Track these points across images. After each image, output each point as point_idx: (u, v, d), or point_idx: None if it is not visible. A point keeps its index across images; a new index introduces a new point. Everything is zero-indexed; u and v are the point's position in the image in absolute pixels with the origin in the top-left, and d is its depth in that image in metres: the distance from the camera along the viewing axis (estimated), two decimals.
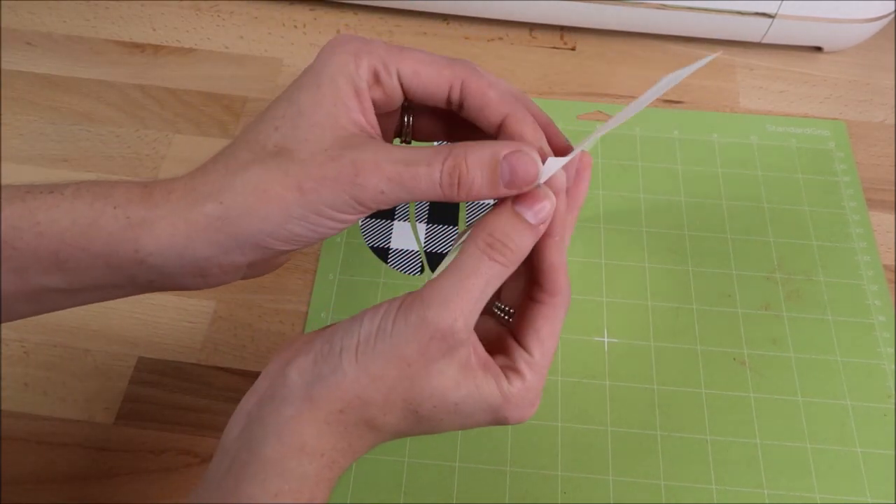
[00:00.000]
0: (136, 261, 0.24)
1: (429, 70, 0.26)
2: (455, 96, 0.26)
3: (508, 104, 0.26)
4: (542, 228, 0.25)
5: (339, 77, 0.25)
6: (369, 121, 0.26)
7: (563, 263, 0.26)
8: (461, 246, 0.25)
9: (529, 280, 0.26)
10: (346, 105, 0.25)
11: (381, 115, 0.27)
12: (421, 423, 0.25)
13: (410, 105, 0.30)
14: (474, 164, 0.24)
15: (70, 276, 0.24)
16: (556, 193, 0.25)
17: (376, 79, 0.26)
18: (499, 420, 0.26)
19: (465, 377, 0.24)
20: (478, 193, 0.24)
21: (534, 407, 0.26)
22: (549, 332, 0.26)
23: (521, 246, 0.24)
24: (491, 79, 0.26)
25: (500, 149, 0.24)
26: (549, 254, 0.25)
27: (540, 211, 0.24)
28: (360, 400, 0.24)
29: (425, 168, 0.24)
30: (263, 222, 0.24)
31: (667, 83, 0.24)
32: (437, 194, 0.24)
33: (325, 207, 0.24)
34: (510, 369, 0.25)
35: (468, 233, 0.26)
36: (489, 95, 0.26)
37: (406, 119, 0.30)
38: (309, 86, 0.26)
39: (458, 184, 0.24)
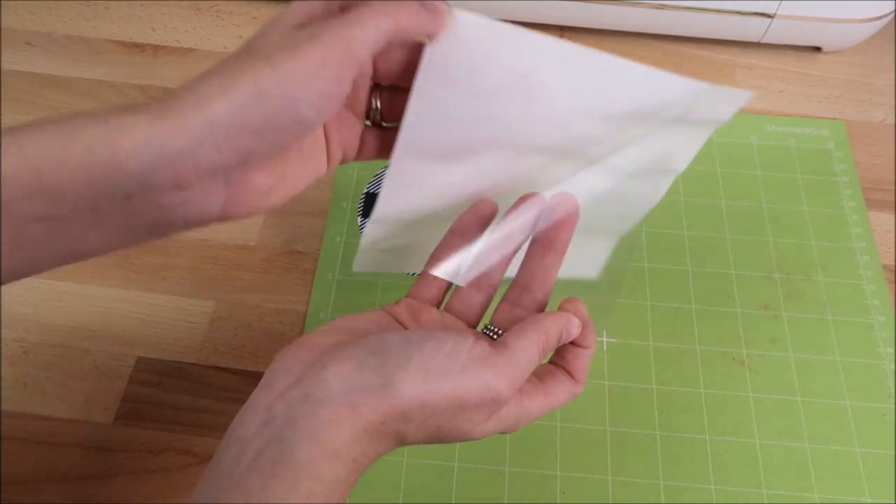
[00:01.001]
0: (114, 165, 0.24)
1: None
2: None
3: None
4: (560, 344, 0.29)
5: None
6: None
7: (587, 368, 0.30)
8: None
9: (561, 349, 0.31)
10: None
11: (351, 99, 0.30)
12: (435, 441, 0.27)
13: (378, 85, 0.31)
14: None
15: (50, 198, 0.24)
16: (586, 325, 0.29)
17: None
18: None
19: (489, 420, 0.27)
20: None
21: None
22: (531, 346, 0.28)
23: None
24: None
25: None
26: (584, 360, 0.30)
27: (569, 335, 0.29)
28: (403, 417, 0.25)
29: None
30: (235, 102, 0.24)
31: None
32: None
33: (297, 74, 0.24)
34: (526, 397, 0.29)
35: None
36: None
37: (374, 101, 0.31)
38: None
39: None
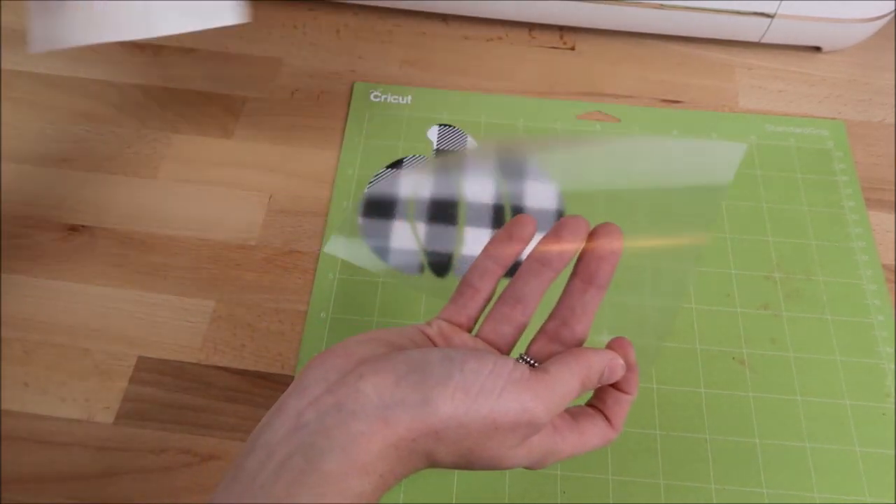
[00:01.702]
0: None
1: None
2: None
3: None
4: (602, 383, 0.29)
5: None
6: None
7: (625, 414, 0.29)
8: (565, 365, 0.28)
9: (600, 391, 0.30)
10: None
11: None
12: (465, 466, 0.26)
13: None
14: None
15: None
16: (630, 367, 0.29)
17: None
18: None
19: (523, 448, 0.26)
20: None
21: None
22: (572, 378, 0.27)
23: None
24: None
25: None
26: (623, 406, 0.29)
27: (612, 376, 0.28)
28: (436, 436, 0.25)
29: None
30: None
31: None
32: None
33: None
34: (560, 434, 0.28)
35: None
36: None
37: None
38: None
39: None
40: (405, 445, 0.24)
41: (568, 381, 0.27)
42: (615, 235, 0.29)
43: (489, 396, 0.25)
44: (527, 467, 0.28)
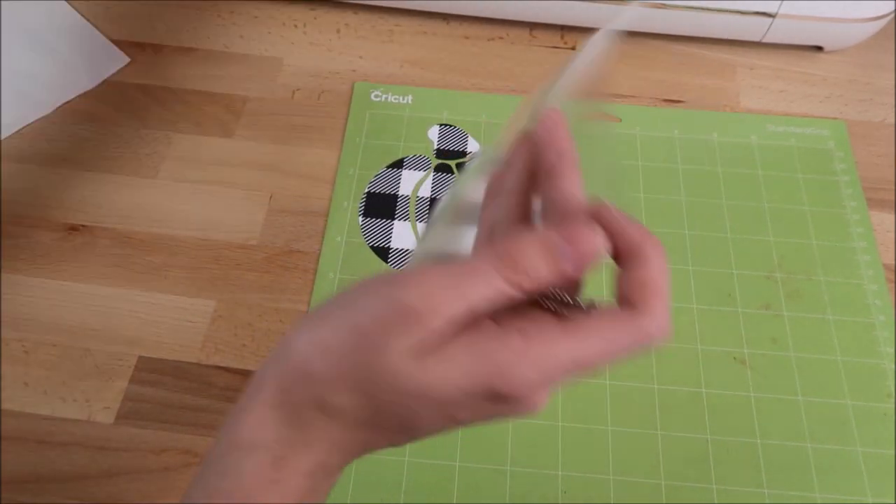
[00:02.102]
0: None
1: None
2: None
3: None
4: (574, 271, 0.21)
5: None
6: None
7: (658, 290, 0.21)
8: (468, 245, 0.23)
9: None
10: None
11: None
12: (386, 415, 0.21)
13: None
14: None
15: None
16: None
17: None
18: (496, 397, 0.20)
19: (435, 357, 0.20)
20: None
21: (535, 382, 0.20)
22: (477, 259, 0.21)
23: (544, 282, 0.21)
24: None
25: None
26: (640, 280, 0.21)
27: (582, 252, 0.21)
28: (303, 374, 0.21)
29: None
30: None
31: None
32: None
33: None
34: (520, 332, 0.21)
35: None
36: None
37: None
38: None
39: None
40: (280, 400, 0.21)
41: (469, 261, 0.20)
42: (551, 117, 0.26)
43: (347, 308, 0.21)
44: (492, 397, 0.20)
